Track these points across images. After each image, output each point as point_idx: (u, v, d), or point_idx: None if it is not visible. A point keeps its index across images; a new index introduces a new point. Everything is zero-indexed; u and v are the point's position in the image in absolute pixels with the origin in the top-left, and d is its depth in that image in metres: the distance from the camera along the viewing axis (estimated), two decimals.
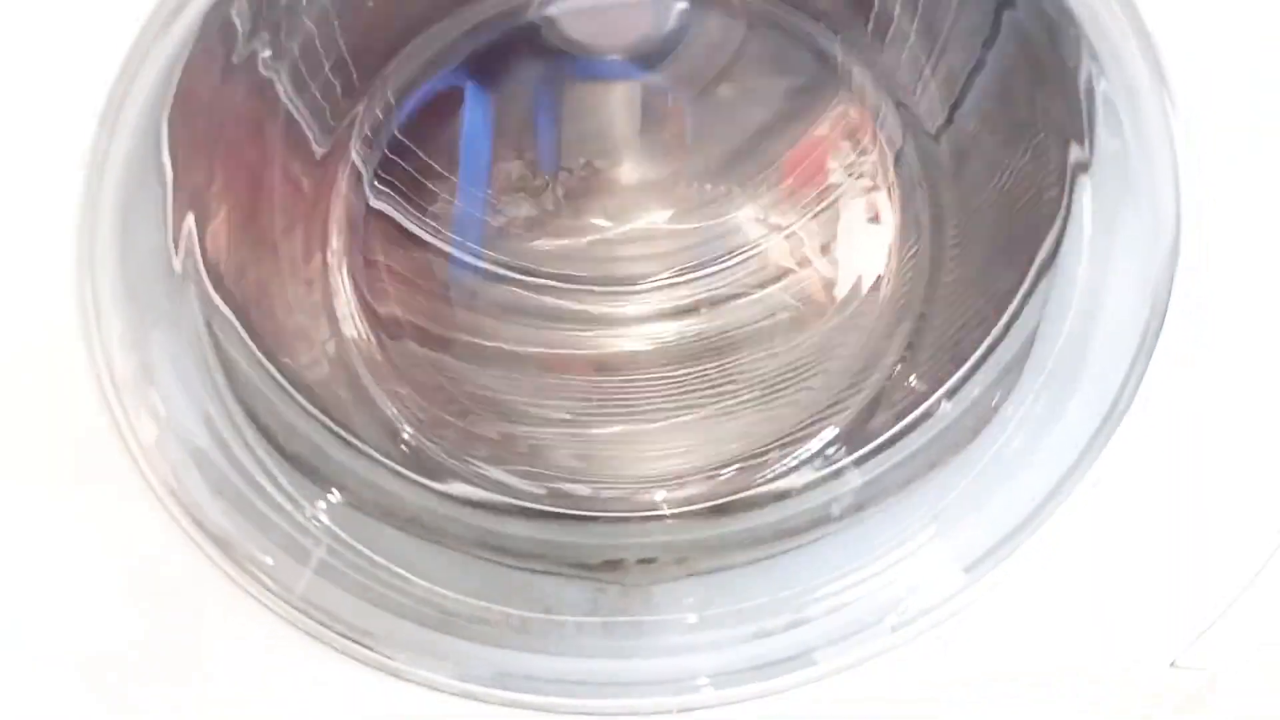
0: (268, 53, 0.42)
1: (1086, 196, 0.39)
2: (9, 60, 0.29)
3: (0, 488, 0.35)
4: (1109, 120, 0.36)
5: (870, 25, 0.51)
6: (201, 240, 0.40)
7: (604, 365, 0.59)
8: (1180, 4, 0.30)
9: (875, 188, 0.55)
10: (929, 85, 0.51)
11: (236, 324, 0.43)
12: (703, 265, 0.61)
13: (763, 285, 0.60)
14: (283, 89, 0.45)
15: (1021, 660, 0.40)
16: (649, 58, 0.56)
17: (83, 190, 0.31)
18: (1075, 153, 0.40)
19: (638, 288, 0.60)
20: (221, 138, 0.42)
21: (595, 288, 0.61)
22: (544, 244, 0.60)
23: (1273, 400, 0.36)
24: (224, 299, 0.41)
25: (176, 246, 0.38)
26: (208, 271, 0.40)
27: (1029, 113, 0.44)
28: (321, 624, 0.42)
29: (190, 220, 0.39)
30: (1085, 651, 0.40)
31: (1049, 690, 0.39)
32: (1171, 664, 0.41)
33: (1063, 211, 0.42)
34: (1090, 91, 0.36)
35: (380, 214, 0.53)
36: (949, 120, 0.51)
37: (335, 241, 0.49)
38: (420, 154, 0.55)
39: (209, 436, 0.40)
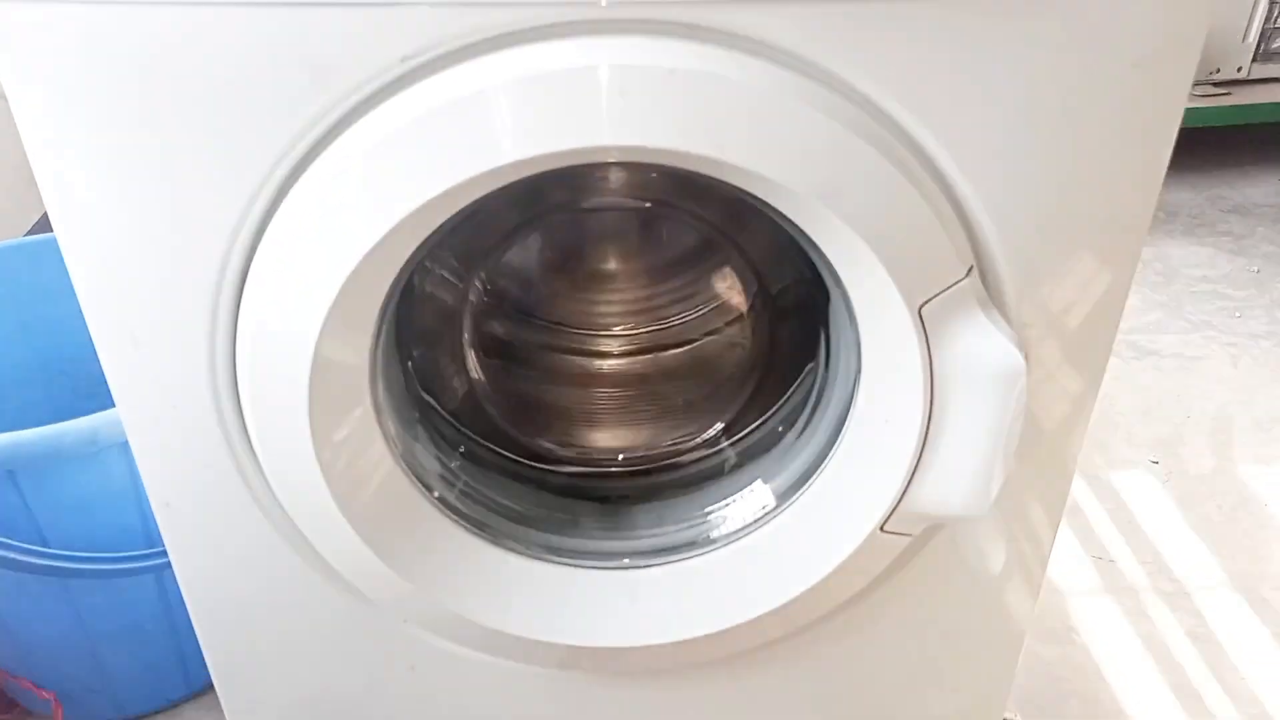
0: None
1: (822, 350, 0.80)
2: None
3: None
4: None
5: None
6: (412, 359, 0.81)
7: (604, 381, 1.00)
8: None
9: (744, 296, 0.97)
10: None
11: (416, 382, 0.84)
12: (653, 323, 1.01)
13: (686, 342, 1.00)
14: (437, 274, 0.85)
15: (802, 539, 0.78)
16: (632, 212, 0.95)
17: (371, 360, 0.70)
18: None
19: (616, 332, 1.01)
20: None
21: (596, 332, 1.01)
22: (568, 307, 1.00)
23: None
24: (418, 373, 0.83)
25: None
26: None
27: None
28: (458, 518, 0.77)
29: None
30: (833, 530, 0.75)
31: (812, 556, 0.78)
32: (882, 528, 0.73)
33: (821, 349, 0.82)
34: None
35: (485, 312, 0.94)
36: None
37: (466, 332, 0.90)
38: (504, 276, 0.95)
39: (410, 430, 0.80)
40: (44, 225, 1.69)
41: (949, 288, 0.66)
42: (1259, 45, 2.22)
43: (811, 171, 0.61)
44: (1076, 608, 1.36)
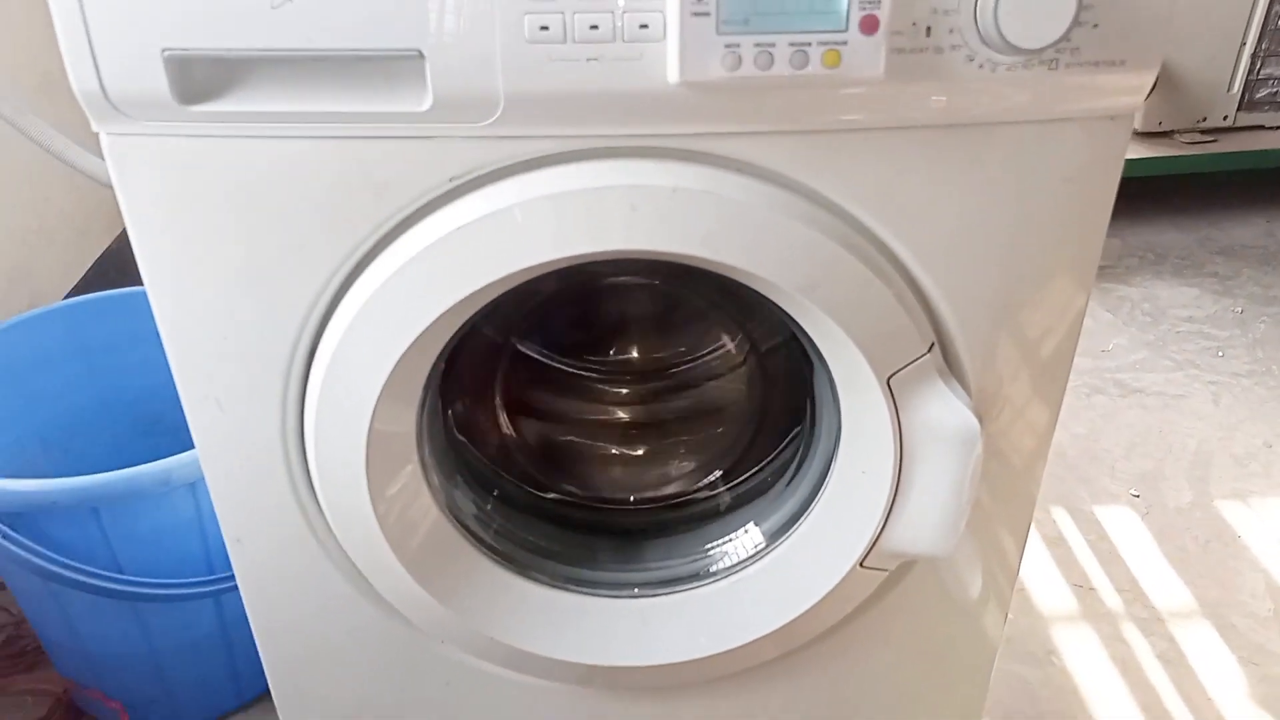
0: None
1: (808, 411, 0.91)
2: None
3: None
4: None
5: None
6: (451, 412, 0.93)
7: (620, 430, 1.12)
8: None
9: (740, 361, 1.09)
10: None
11: (457, 432, 0.96)
12: (667, 374, 1.13)
13: (689, 387, 1.12)
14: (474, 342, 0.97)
15: (791, 573, 0.90)
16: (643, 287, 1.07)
17: (419, 416, 0.82)
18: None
19: (630, 384, 1.13)
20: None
21: (612, 386, 1.13)
22: (589, 366, 1.12)
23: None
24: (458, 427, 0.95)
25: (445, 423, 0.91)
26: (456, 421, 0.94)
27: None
28: (492, 554, 0.89)
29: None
30: (818, 566, 0.86)
31: (801, 588, 0.90)
32: (861, 565, 0.85)
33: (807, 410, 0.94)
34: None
35: (515, 371, 1.06)
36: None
37: (499, 393, 1.02)
38: (533, 342, 1.07)
39: (451, 479, 0.92)
40: (90, 281, 1.83)
41: (913, 362, 0.77)
42: (1243, 95, 2.33)
43: (792, 270, 0.72)
44: (1057, 632, 1.46)
